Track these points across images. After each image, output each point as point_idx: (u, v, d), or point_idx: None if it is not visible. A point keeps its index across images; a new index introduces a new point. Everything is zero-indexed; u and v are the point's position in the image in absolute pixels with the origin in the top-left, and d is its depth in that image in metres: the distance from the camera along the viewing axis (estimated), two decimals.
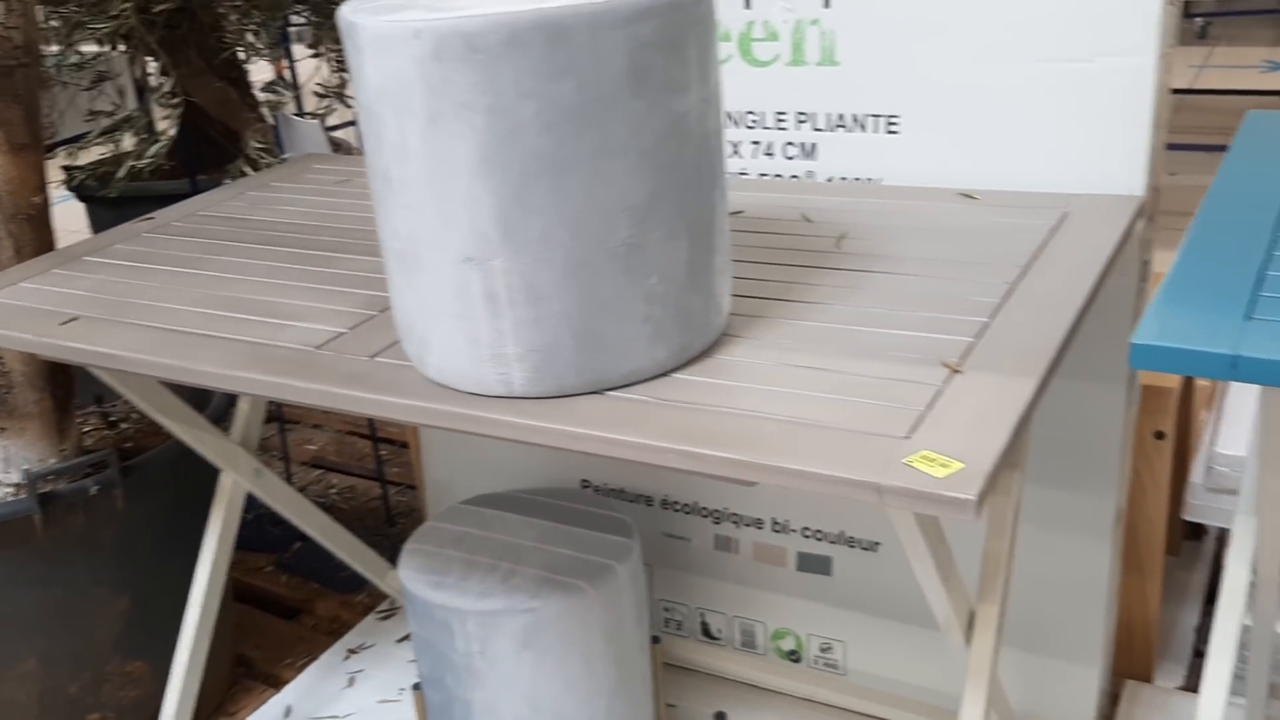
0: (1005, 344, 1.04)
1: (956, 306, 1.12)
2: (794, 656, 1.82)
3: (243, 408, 1.71)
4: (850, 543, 1.69)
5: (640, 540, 1.58)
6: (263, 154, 2.43)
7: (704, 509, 1.80)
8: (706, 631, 1.89)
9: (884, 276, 1.21)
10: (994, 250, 1.24)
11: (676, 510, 1.82)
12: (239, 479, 1.71)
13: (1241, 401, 1.80)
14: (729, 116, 1.61)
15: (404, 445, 2.68)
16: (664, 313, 1.01)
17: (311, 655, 2.03)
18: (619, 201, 0.96)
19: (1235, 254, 0.96)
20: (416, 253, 1.01)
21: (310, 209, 1.64)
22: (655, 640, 1.66)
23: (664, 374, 1.04)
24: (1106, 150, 1.36)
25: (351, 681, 1.93)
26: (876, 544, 1.66)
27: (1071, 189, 1.38)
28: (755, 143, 1.60)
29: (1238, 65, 5.38)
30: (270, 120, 2.53)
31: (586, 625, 1.47)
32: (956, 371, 1.01)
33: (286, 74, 2.71)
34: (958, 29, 1.42)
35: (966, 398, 0.96)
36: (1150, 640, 1.70)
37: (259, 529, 2.39)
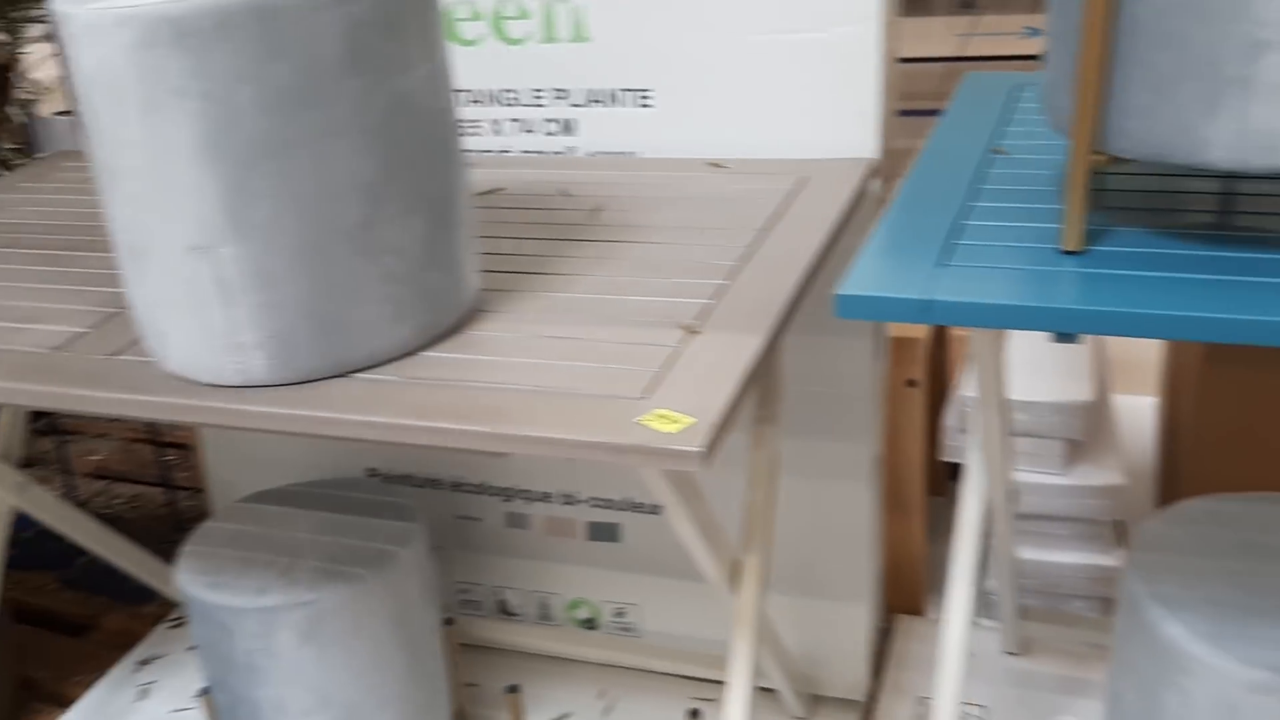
0: (739, 304, 1.09)
1: (698, 271, 1.16)
2: (590, 624, 1.85)
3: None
4: (636, 508, 1.73)
5: (427, 524, 1.58)
6: (15, 154, 2.31)
7: (494, 488, 1.81)
8: (504, 609, 1.90)
9: (634, 246, 1.25)
10: (737, 216, 1.29)
11: (467, 492, 1.83)
12: (2, 495, 1.63)
13: None
14: (490, 95, 1.62)
15: (190, 448, 2.59)
16: (405, 292, 1.02)
17: (101, 671, 1.96)
18: (347, 181, 0.96)
19: (938, 207, 1.04)
20: (145, 244, 0.98)
21: (55, 208, 1.57)
22: (448, 622, 1.66)
23: (411, 353, 1.04)
24: (840, 116, 1.43)
25: (144, 694, 1.87)
26: (660, 506, 1.71)
27: (812, 154, 1.44)
28: (515, 120, 1.62)
29: (1001, 33, 5.70)
30: (24, 119, 2.40)
31: (371, 613, 1.47)
32: (694, 332, 1.05)
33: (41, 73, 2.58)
34: (700, 4, 1.46)
35: (701, 356, 1.00)
36: (918, 576, 1.80)
37: (40, 545, 2.28)
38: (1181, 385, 1.75)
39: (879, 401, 1.60)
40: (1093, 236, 0.94)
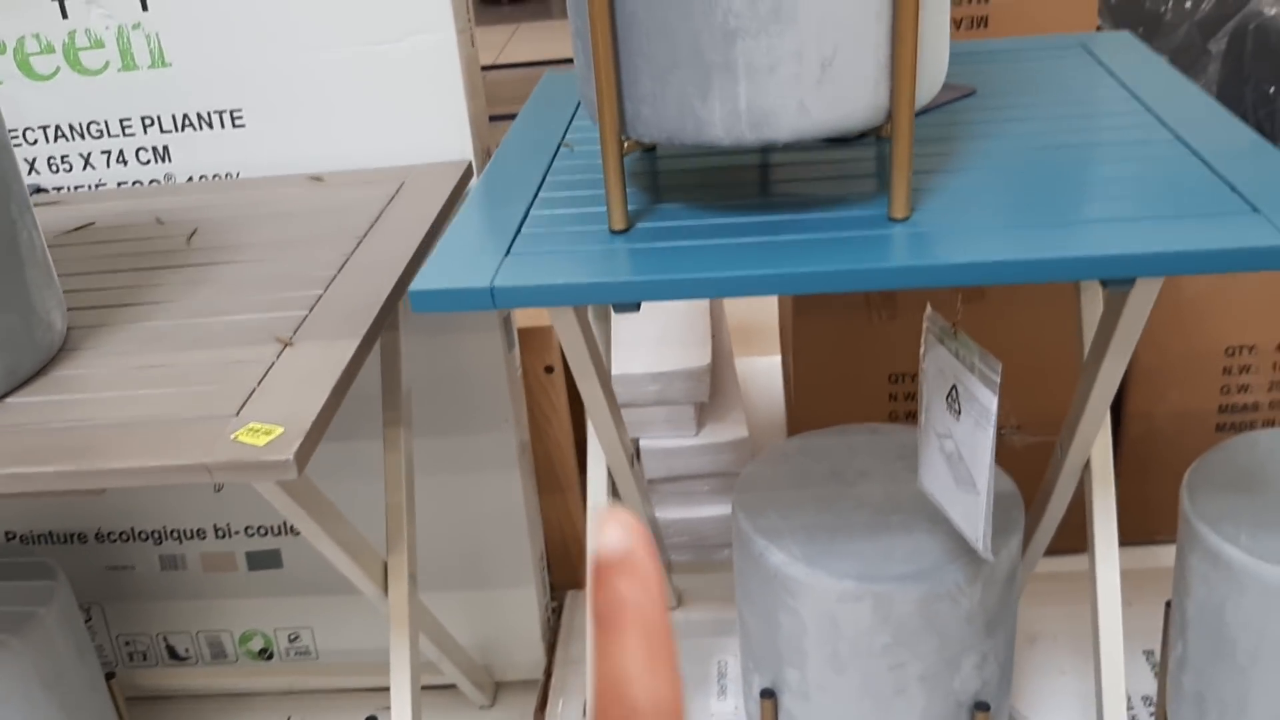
0: (335, 312, 1.12)
1: (295, 284, 1.18)
2: (266, 654, 1.83)
3: None
4: (293, 531, 1.72)
5: (69, 580, 1.51)
6: None
7: (143, 533, 1.75)
8: (174, 654, 1.84)
9: (230, 266, 1.25)
10: (336, 226, 1.31)
11: (115, 541, 1.76)
12: None
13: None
14: (75, 129, 1.55)
15: None
16: None
17: None
18: None
19: (509, 200, 1.10)
20: None
21: None
22: (110, 676, 1.59)
23: None
24: (432, 121, 1.49)
25: None
26: None
27: (410, 160, 1.49)
28: (105, 152, 1.56)
29: None
30: None
31: (19, 677, 1.39)
32: (288, 345, 1.07)
33: None
34: (277, 22, 1.47)
35: (294, 368, 1.03)
36: (580, 550, 1.89)
37: None
38: (785, 340, 1.92)
39: (518, 390, 1.67)
40: (641, 215, 1.04)
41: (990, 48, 1.37)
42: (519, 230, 1.03)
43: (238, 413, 0.96)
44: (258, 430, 0.94)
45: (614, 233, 1.01)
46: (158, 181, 1.57)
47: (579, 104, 1.37)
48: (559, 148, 1.24)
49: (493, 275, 0.95)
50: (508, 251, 1.00)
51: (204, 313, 1.15)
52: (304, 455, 0.92)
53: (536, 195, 1.11)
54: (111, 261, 1.29)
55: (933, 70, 0.97)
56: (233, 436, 0.93)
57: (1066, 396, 1.72)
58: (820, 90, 0.92)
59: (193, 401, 0.99)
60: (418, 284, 0.95)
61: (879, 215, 0.98)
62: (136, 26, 1.49)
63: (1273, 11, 1.88)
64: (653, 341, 1.87)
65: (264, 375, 1.02)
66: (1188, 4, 2.05)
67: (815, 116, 0.92)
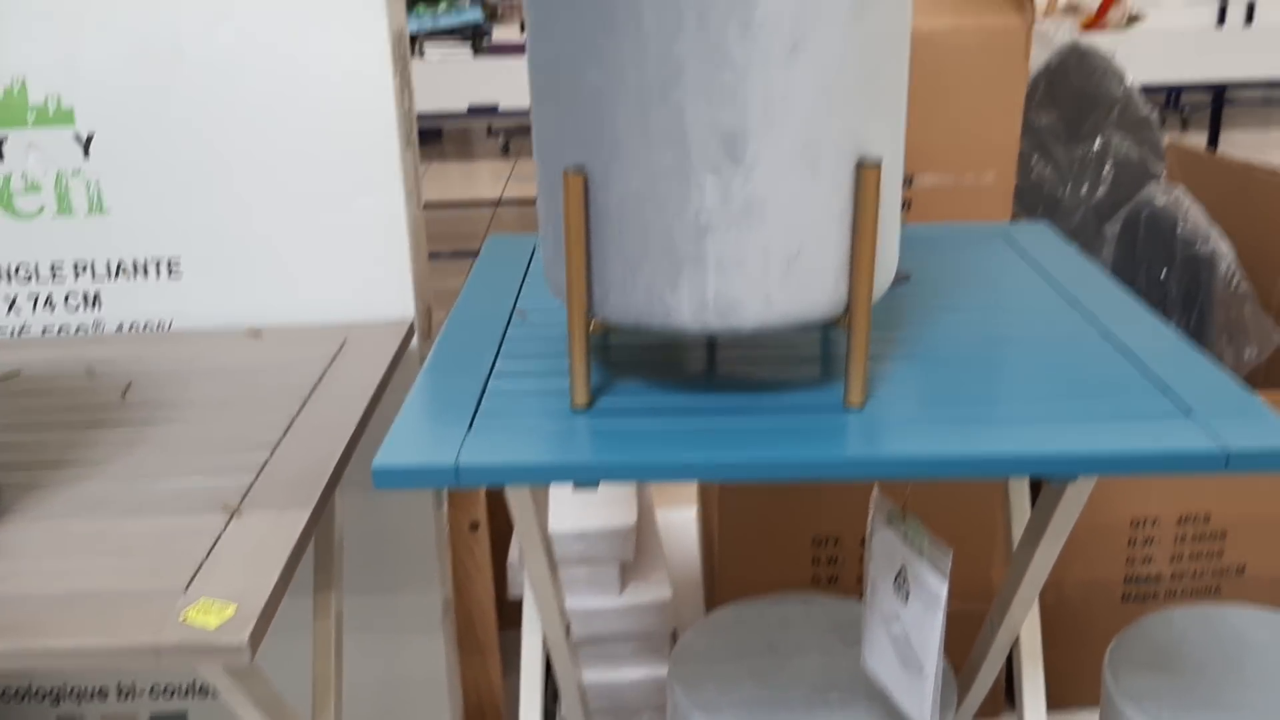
0: (281, 479, 1.10)
1: (239, 447, 1.16)
2: None
3: None
4: (203, 692, 1.65)
5: None
6: None
7: (41, 690, 1.65)
8: None
9: (169, 426, 1.22)
10: (277, 386, 1.30)
11: (10, 700, 1.66)
12: None
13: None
14: (2, 272, 1.52)
15: None
16: None
17: None
18: None
19: (468, 368, 1.11)
20: None
21: None
22: None
23: None
24: (375, 280, 1.50)
25: None
26: None
27: (351, 317, 1.49)
28: (34, 296, 1.53)
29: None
30: None
31: None
32: (236, 514, 1.05)
33: None
34: (221, 172, 1.48)
35: (244, 539, 1.00)
36: (497, 713, 1.85)
37: None
38: (709, 498, 1.94)
39: (444, 547, 1.65)
40: (600, 391, 1.05)
41: (921, 234, 1.45)
42: (479, 404, 1.04)
43: (186, 588, 0.94)
44: (208, 608, 0.91)
45: (575, 410, 1.02)
46: (85, 329, 1.54)
47: (527, 268, 1.40)
48: (511, 315, 1.26)
49: (457, 452, 0.95)
50: (470, 426, 1.00)
51: (144, 475, 1.12)
52: (257, 637, 0.89)
53: (494, 366, 1.12)
54: (42, 415, 1.25)
55: (887, 265, 1.02)
56: (182, 617, 0.90)
57: (986, 564, 1.77)
58: (785, 284, 0.95)
59: (137, 574, 0.96)
60: (381, 460, 0.95)
61: (830, 401, 1.02)
62: (77, 173, 1.48)
63: (1161, 203, 2.02)
64: (576, 498, 1.87)
65: (211, 547, 0.99)
66: (1084, 190, 2.20)
67: (779, 308, 0.96)
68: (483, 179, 6.44)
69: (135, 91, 1.45)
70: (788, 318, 0.97)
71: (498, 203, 5.69)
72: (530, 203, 5.46)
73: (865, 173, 0.94)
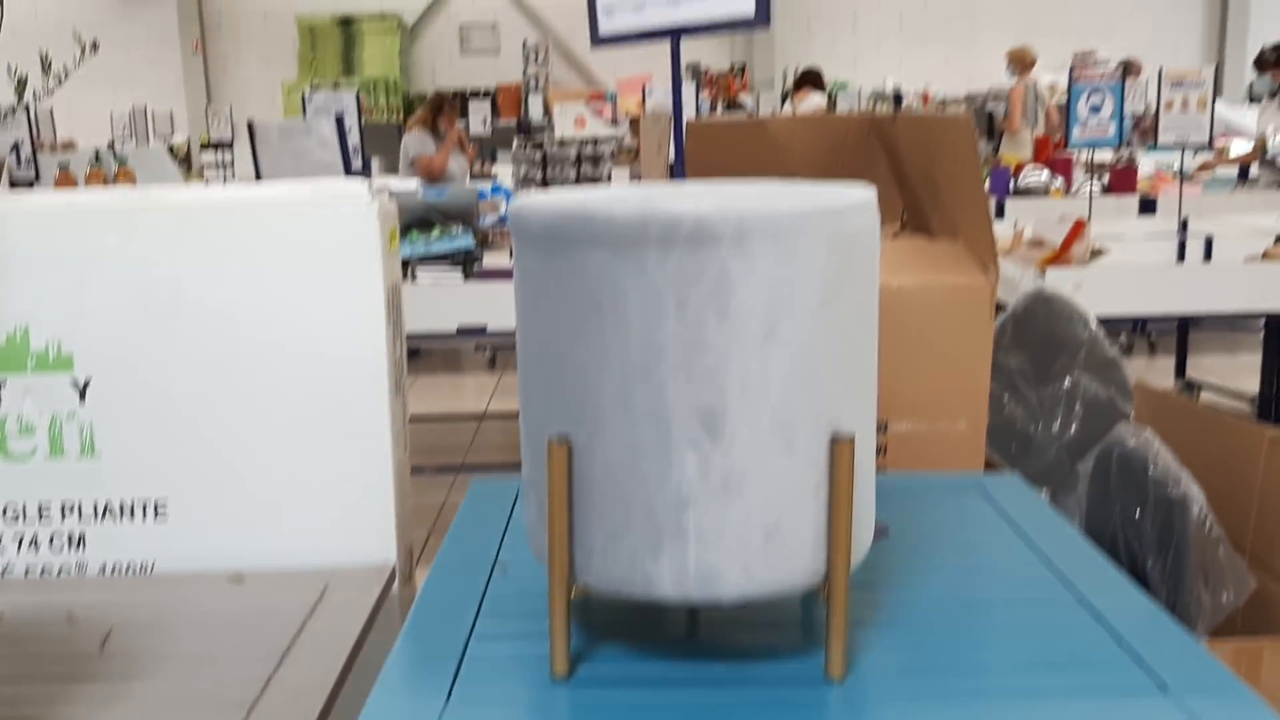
0: None
1: (214, 707, 1.15)
2: None
3: None
4: None
5: None
6: None
7: None
8: None
9: (147, 682, 1.21)
10: (257, 638, 1.29)
11: None
12: None
13: None
14: None
15: None
16: None
17: None
18: None
19: (448, 629, 1.12)
20: None
21: None
22: None
23: None
24: (358, 524, 1.51)
25: None
26: None
27: (333, 561, 1.50)
28: (19, 536, 1.54)
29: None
30: None
31: None
32: None
33: None
34: (211, 415, 1.51)
35: None
36: None
37: None
38: None
39: None
40: (580, 658, 1.06)
41: (897, 484, 1.48)
42: (458, 672, 1.04)
43: None
44: None
45: (554, 678, 1.02)
46: (68, 569, 1.54)
47: (510, 516, 1.42)
48: (493, 567, 1.27)
49: None
50: (448, 699, 1.00)
51: None
52: None
53: (474, 627, 1.13)
54: (20, 666, 1.24)
55: (863, 535, 1.05)
56: None
57: None
58: (764, 555, 0.98)
59: None
60: None
61: (811, 672, 1.02)
62: (71, 416, 1.51)
63: (1132, 444, 2.07)
64: None
65: None
66: (1055, 428, 2.25)
67: (759, 578, 0.98)
68: (468, 392, 6.53)
69: (133, 339, 1.50)
70: (767, 588, 0.99)
71: (482, 416, 5.75)
72: (515, 417, 5.52)
73: (839, 447, 0.97)
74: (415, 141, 7.03)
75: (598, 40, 2.98)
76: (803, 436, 0.97)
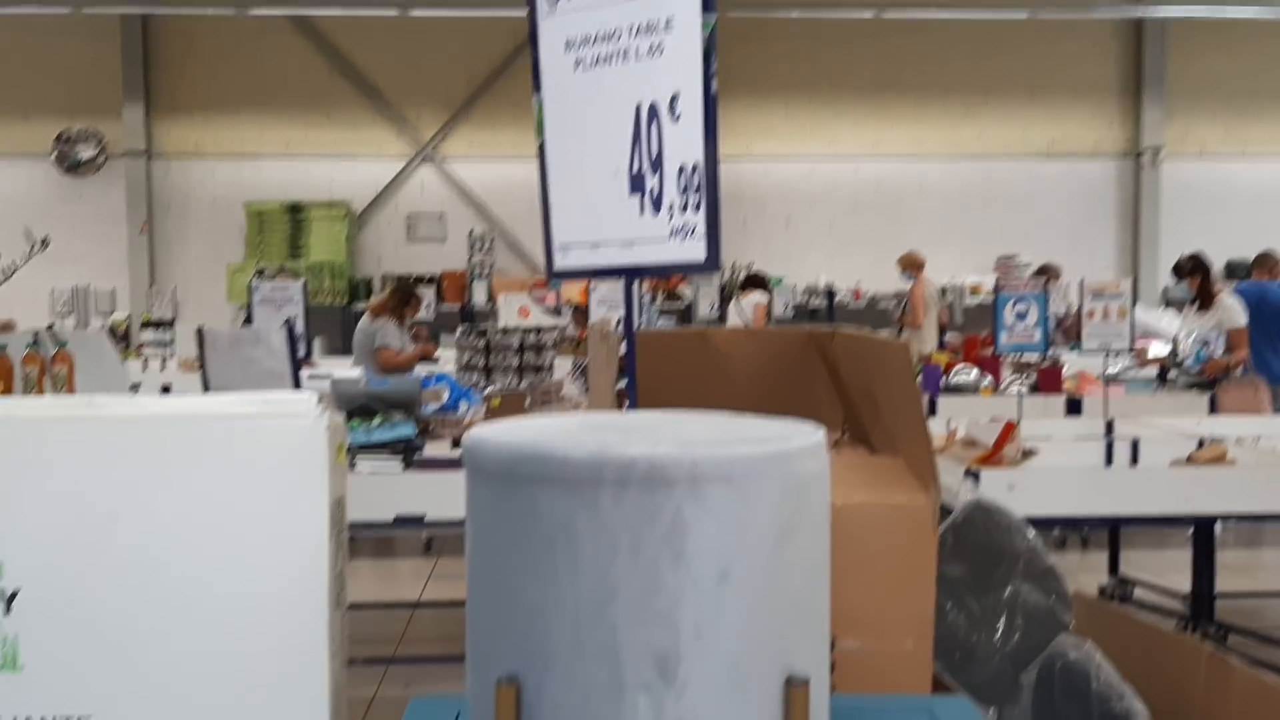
0: None
1: None
2: None
3: None
4: None
5: None
6: None
7: None
8: None
9: None
10: None
11: None
12: None
13: None
14: None
15: None
16: None
17: None
18: None
19: None
20: None
21: None
22: None
23: None
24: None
25: None
26: None
27: None
28: None
29: (458, 575, 6.09)
30: None
31: None
32: None
33: None
34: (145, 636, 1.46)
35: None
36: None
37: None
38: None
39: None
40: None
41: (845, 706, 1.46)
42: None
43: None
44: None
45: None
46: None
47: None
48: None
49: None
50: None
51: None
52: None
53: None
54: None
55: None
56: None
57: None
58: None
59: None
60: None
61: None
62: None
63: (1074, 657, 2.08)
64: None
65: None
66: (997, 637, 2.26)
67: None
68: (403, 577, 6.38)
69: (66, 551, 1.46)
70: None
71: (416, 604, 5.61)
72: (451, 604, 5.39)
73: (793, 692, 0.97)
74: (389, 333, 7.02)
75: (553, 274, 3.07)
76: (757, 680, 0.97)
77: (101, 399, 1.56)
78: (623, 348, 2.63)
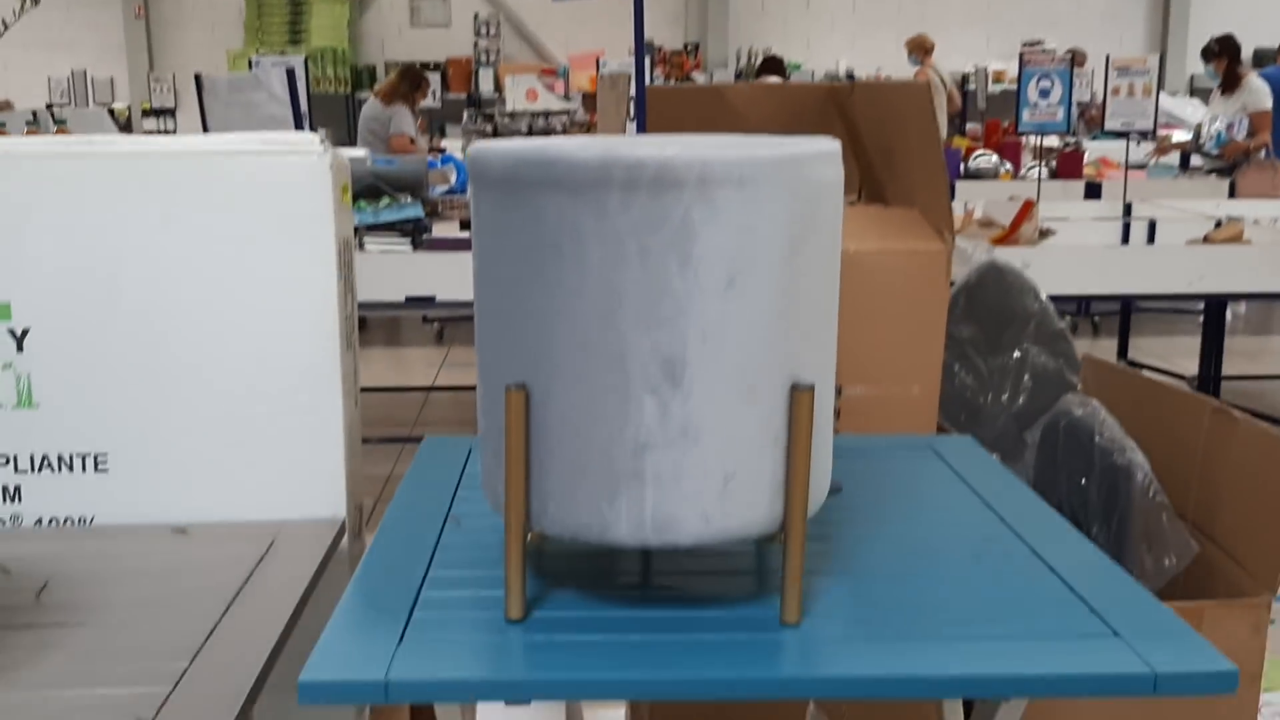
0: (200, 692, 1.06)
1: (156, 654, 1.12)
2: None
3: None
4: None
5: None
6: None
7: None
8: None
9: (83, 631, 1.18)
10: (201, 587, 1.27)
11: None
12: None
13: None
14: None
15: None
16: None
17: None
18: None
19: (399, 580, 1.10)
20: None
21: None
22: None
23: None
24: (308, 478, 1.49)
25: None
26: None
27: (281, 515, 1.47)
28: None
29: (469, 364, 6.14)
30: None
31: None
32: None
33: None
34: (155, 368, 1.47)
35: None
36: None
37: None
38: (639, 706, 1.90)
39: None
40: (536, 602, 1.05)
41: (851, 445, 1.49)
42: (411, 615, 1.03)
43: None
44: None
45: (510, 622, 1.01)
46: (3, 522, 1.50)
47: (463, 471, 1.40)
48: (446, 520, 1.25)
49: (387, 667, 0.94)
50: (401, 639, 0.98)
51: (54, 684, 1.07)
52: None
53: (426, 574, 1.11)
54: None
55: (821, 483, 1.05)
56: None
57: None
58: (721, 501, 0.97)
59: None
60: (308, 674, 0.92)
61: (765, 617, 1.02)
62: (8, 366, 1.47)
63: (1079, 413, 2.09)
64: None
65: None
66: (1005, 397, 2.27)
67: (716, 525, 0.98)
68: (415, 365, 6.46)
69: (75, 290, 1.46)
70: (724, 534, 0.98)
71: (430, 389, 5.69)
72: (463, 389, 5.47)
73: (799, 396, 0.97)
74: (404, 120, 6.79)
75: None
76: (763, 385, 0.96)
77: (102, 138, 1.53)
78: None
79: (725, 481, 0.97)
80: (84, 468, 1.49)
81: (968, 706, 1.26)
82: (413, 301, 4.16)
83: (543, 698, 0.94)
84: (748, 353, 0.95)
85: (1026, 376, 2.26)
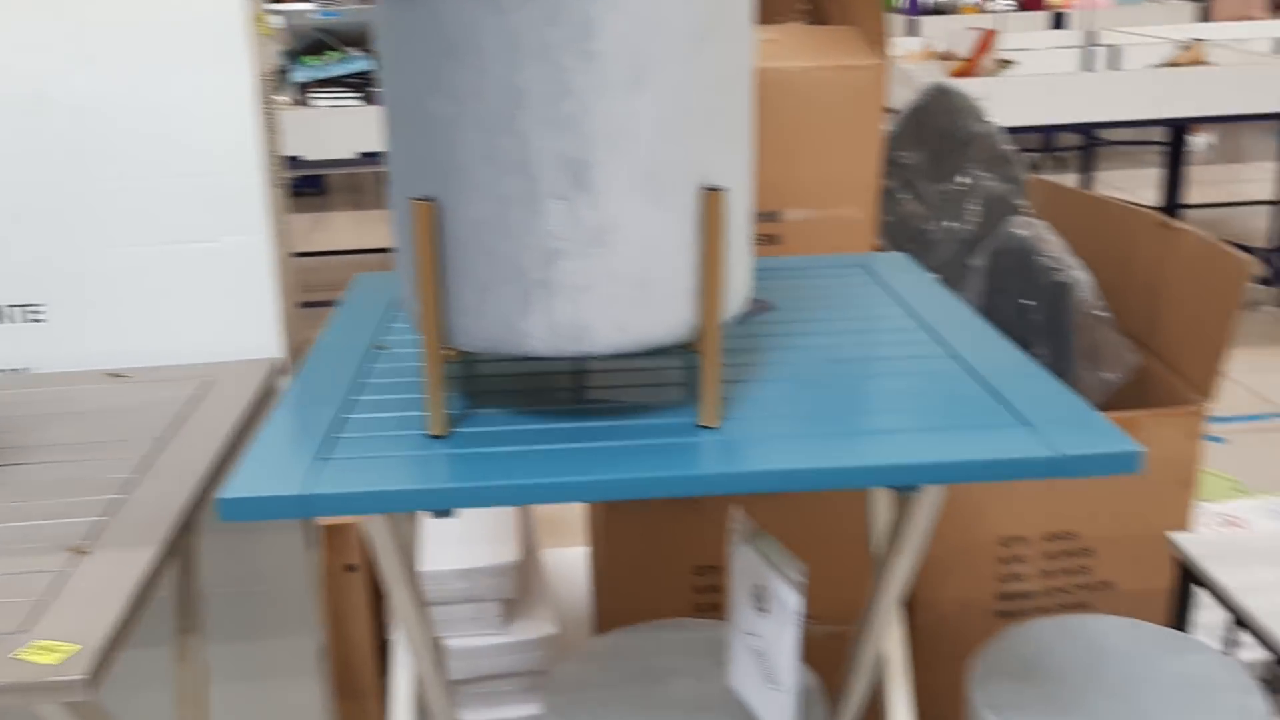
0: (135, 519, 1.08)
1: (91, 488, 1.13)
2: None
3: None
4: None
5: None
6: None
7: None
8: None
9: (20, 469, 1.19)
10: (135, 426, 1.28)
11: None
12: None
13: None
14: None
15: None
16: None
17: None
18: None
19: (322, 403, 1.10)
20: None
21: None
22: None
23: None
24: (241, 319, 1.48)
25: None
26: None
27: (217, 357, 1.47)
28: None
29: None
30: None
31: None
32: (82, 553, 1.02)
33: None
34: (84, 216, 1.45)
35: (89, 578, 0.98)
36: None
37: None
38: (597, 534, 1.94)
39: (316, 591, 1.62)
40: (461, 420, 1.05)
41: (785, 264, 1.48)
42: (334, 435, 1.03)
43: (23, 629, 0.91)
44: (47, 647, 0.89)
45: (432, 438, 1.02)
46: None
47: (390, 303, 1.40)
48: (372, 348, 1.25)
49: (306, 482, 0.94)
50: (321, 457, 0.99)
51: None
52: (100, 674, 0.87)
53: (350, 398, 1.11)
54: None
55: (737, 288, 1.04)
56: (17, 654, 0.87)
57: (860, 586, 1.79)
58: (635, 308, 0.97)
59: None
60: (227, 491, 0.93)
61: (689, 423, 1.03)
62: None
63: (1023, 235, 2.09)
64: (458, 536, 1.86)
65: (54, 587, 0.96)
66: (951, 224, 2.27)
67: (631, 332, 0.98)
68: (378, 228, 6.38)
69: None
70: (640, 341, 0.99)
71: (386, 250, 5.64)
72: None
73: (710, 197, 0.96)
74: None
75: None
76: (673, 187, 0.95)
77: None
78: None
79: (637, 287, 0.96)
80: (19, 318, 1.48)
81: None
82: (367, 157, 4.07)
83: (464, 505, 0.95)
84: (656, 153, 0.94)
85: (973, 202, 2.25)
